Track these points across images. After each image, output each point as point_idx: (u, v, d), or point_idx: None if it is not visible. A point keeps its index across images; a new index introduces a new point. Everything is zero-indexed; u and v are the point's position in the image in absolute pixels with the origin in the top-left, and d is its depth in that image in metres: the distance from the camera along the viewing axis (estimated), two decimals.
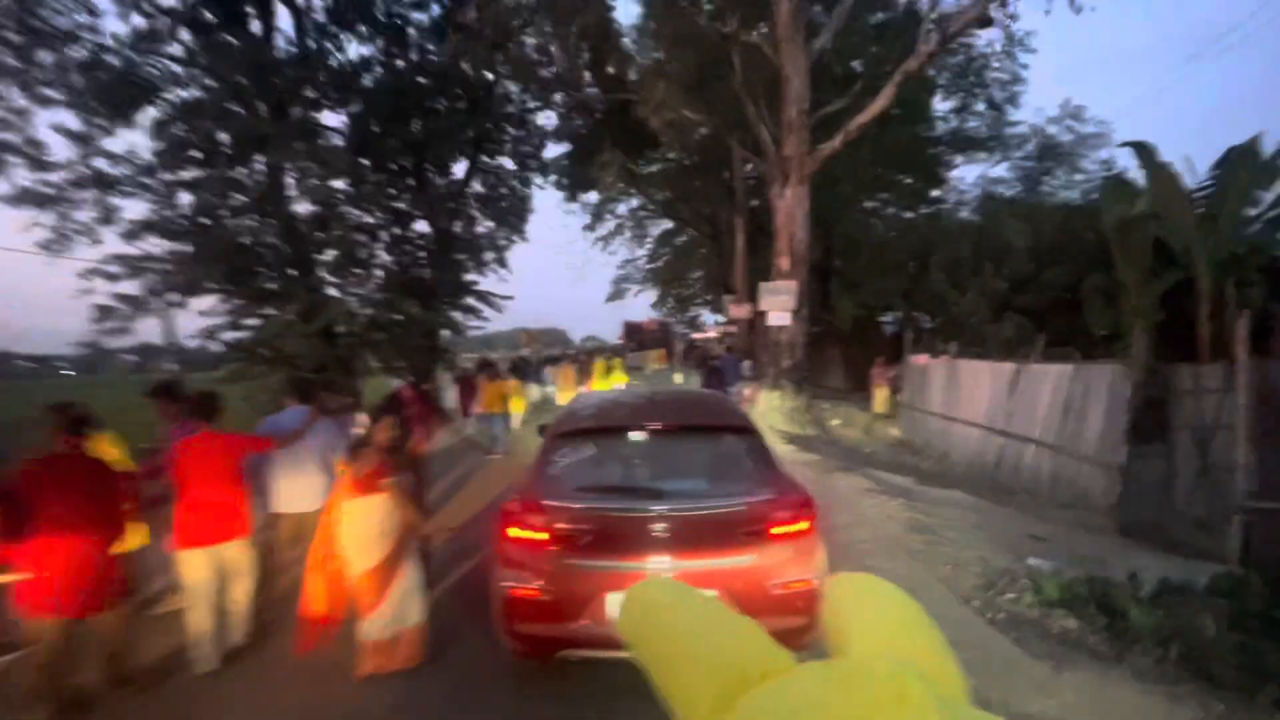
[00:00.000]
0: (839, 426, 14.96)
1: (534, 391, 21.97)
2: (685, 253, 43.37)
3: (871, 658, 0.50)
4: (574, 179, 22.40)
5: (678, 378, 27.09)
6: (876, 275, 28.67)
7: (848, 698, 0.39)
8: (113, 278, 14.91)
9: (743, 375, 17.74)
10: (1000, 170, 29.36)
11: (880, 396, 15.73)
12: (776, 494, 3.58)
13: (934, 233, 22.76)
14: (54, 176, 14.25)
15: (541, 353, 34.49)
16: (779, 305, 14.17)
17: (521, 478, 4.10)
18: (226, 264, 15.22)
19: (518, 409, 16.14)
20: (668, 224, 41.64)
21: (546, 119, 21.75)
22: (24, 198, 14.24)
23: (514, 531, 3.45)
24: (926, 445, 13.39)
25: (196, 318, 15.82)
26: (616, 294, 45.73)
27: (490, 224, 20.87)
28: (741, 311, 23.47)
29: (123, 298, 15.00)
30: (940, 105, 25.09)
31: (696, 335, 59.21)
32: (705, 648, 0.52)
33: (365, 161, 19.68)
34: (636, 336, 41.97)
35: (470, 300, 20.70)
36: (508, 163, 20.97)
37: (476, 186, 20.35)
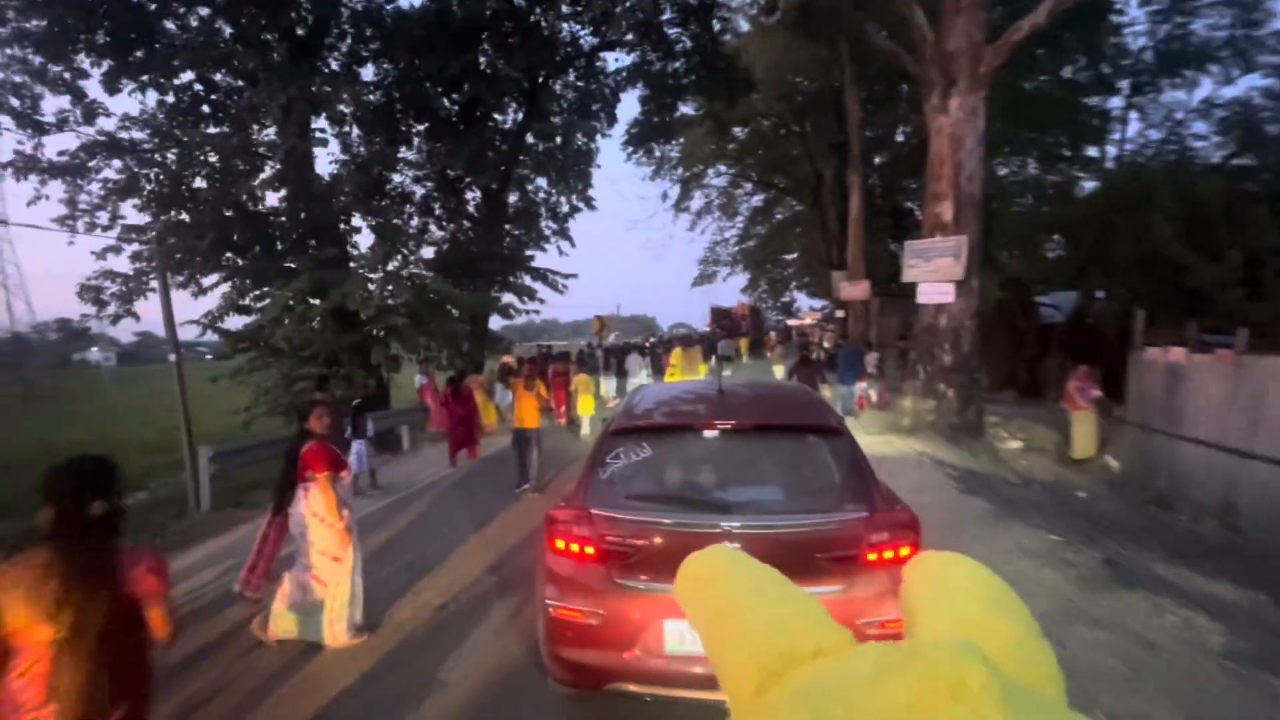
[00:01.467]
0: (1018, 451, 10.08)
1: (606, 386, 18.19)
2: (780, 231, 38.34)
3: (936, 640, 0.41)
4: (651, 131, 18.02)
5: (778, 370, 22.58)
6: (1024, 246, 22.83)
7: (900, 682, 0.35)
8: (105, 253, 12.28)
9: (867, 371, 13.09)
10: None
11: (1085, 429, 9.30)
12: (872, 510, 2.89)
13: (1128, 185, 16.80)
14: (60, 142, 11.71)
15: (622, 340, 30.77)
16: (936, 273, 9.51)
17: (575, 480, 3.33)
18: (225, 232, 12.27)
19: (587, 410, 12.56)
20: (759, 200, 36.92)
21: (617, 58, 17.60)
22: (29, 166, 11.79)
23: (559, 544, 2.97)
24: (1178, 489, 8.35)
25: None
26: (704, 277, 41.38)
27: (547, 187, 17.08)
28: (857, 291, 18.61)
29: (112, 275, 12.36)
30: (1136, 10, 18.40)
31: (791, 321, 53.96)
32: (757, 620, 0.47)
33: (399, 109, 16.52)
34: (725, 323, 37.41)
35: (524, 278, 17.13)
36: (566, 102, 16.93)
37: (532, 141, 16.60)
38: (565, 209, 17.57)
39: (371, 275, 12.62)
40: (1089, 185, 23.33)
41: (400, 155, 17.19)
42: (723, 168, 32.89)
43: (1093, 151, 25.10)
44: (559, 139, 15.92)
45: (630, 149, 32.29)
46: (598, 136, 17.70)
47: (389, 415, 11.82)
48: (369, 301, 11.75)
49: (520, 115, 16.22)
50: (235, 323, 12.89)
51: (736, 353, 30.85)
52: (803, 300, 56.83)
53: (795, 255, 42.59)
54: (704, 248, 38.85)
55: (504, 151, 15.79)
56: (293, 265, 12.46)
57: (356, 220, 14.47)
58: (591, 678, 2.91)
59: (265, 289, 12.64)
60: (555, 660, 2.96)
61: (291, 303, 12.21)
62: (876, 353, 13.38)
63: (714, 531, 2.76)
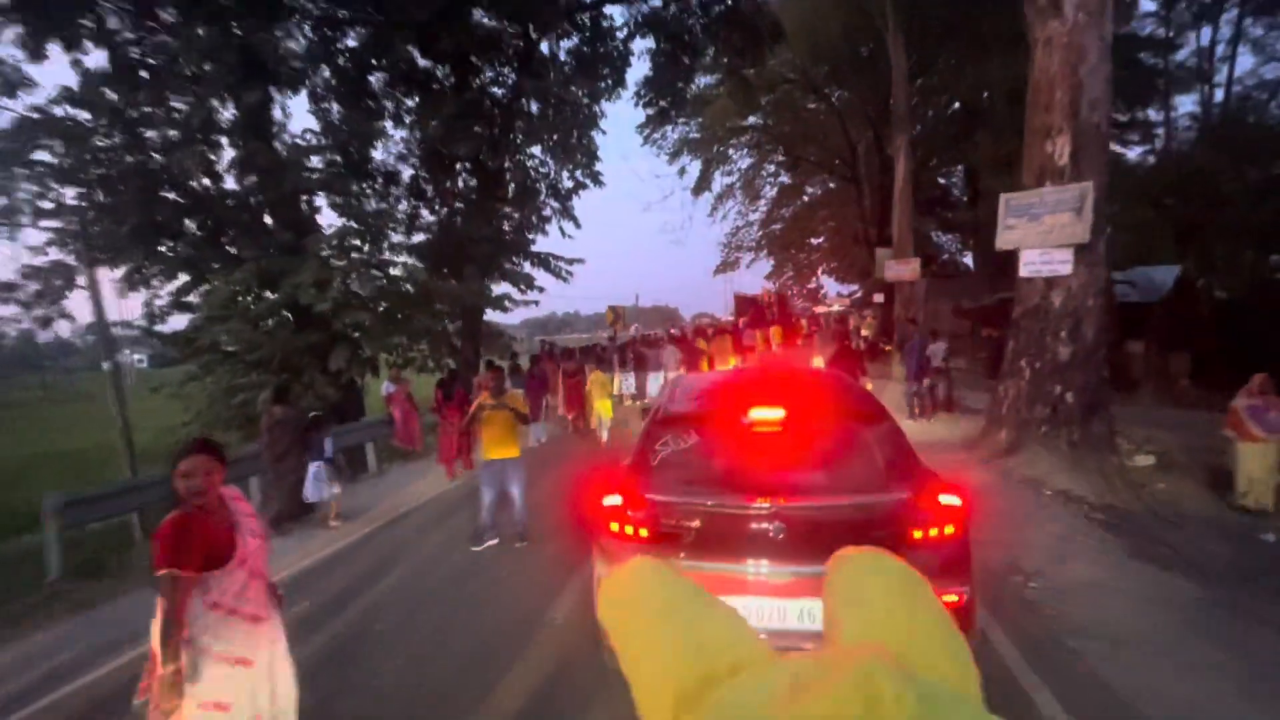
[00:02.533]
0: (1151, 470, 7.41)
1: (623, 383, 15.84)
2: (807, 212, 35.47)
3: (849, 651, 0.41)
4: (665, 87, 15.47)
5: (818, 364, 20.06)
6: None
7: (814, 699, 0.34)
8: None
9: (933, 364, 10.53)
10: None
11: (1262, 465, 6.15)
12: (917, 488, 2.88)
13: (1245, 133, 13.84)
14: None
15: (639, 333, 28.36)
16: (1048, 236, 6.92)
17: (621, 469, 3.32)
18: (155, 215, 10.15)
19: (605, 412, 10.74)
20: (784, 179, 34.07)
21: (626, 12, 15.07)
22: None
23: (614, 527, 3.03)
24: None
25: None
26: (727, 264, 38.76)
27: (544, 156, 14.68)
28: (905, 270, 15.93)
29: (33, 271, 10.35)
30: None
31: (818, 308, 50.92)
32: (673, 637, 0.45)
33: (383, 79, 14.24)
34: (750, 311, 34.73)
35: (523, 265, 14.81)
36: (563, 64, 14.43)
37: (528, 107, 14.17)
38: (568, 184, 15.16)
39: (336, 263, 10.39)
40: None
41: (388, 131, 15.02)
42: (745, 147, 30.30)
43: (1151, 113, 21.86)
44: (554, 100, 13.44)
45: (646, 130, 30.08)
46: (603, 101, 15.22)
47: (356, 430, 9.61)
48: (323, 294, 9.52)
49: (514, 79, 13.87)
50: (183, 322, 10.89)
51: (764, 342, 28.30)
52: (830, 286, 53.85)
53: (821, 240, 39.72)
54: (725, 232, 35.96)
55: (494, 116, 13.44)
56: (239, 254, 10.31)
57: (327, 209, 12.26)
58: None
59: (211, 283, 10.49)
60: None
61: (240, 297, 10.09)
62: (944, 342, 10.78)
63: (761, 513, 2.79)
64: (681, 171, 27.28)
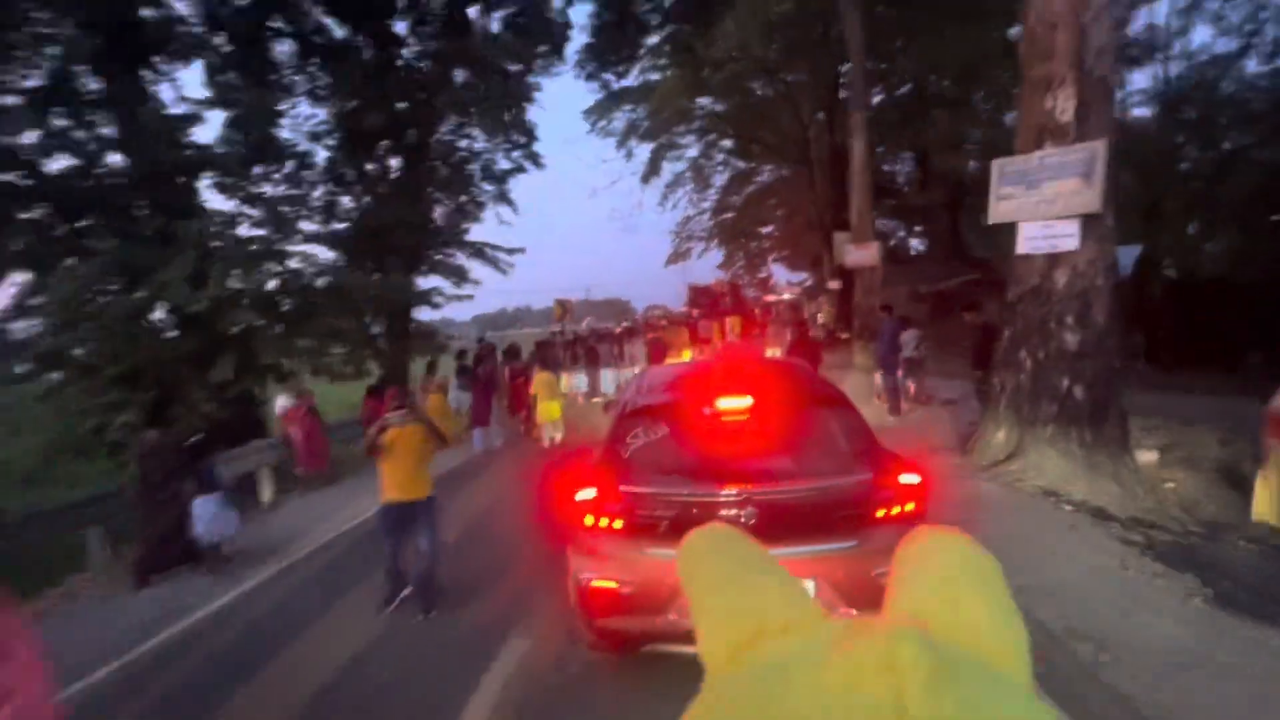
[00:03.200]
0: (1157, 466, 6.52)
1: (574, 381, 14.50)
2: (758, 199, 34.57)
3: (885, 619, 0.43)
4: (608, 62, 14.09)
5: (773, 353, 19.09)
6: None
7: (839, 659, 0.35)
8: None
9: (905, 352, 9.54)
10: None
11: None
12: (878, 471, 3.01)
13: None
14: None
15: (590, 328, 26.91)
16: (1050, 206, 5.89)
17: (593, 462, 3.31)
18: None
19: (551, 415, 9.76)
20: (734, 168, 33.05)
21: None
22: None
23: (589, 520, 3.02)
24: None
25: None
26: (678, 254, 37.67)
27: (474, 130, 13.07)
28: (865, 255, 14.99)
29: None
30: None
31: (769, 297, 50.41)
32: (735, 595, 0.48)
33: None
34: (704, 302, 33.66)
35: (456, 256, 13.22)
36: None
37: (454, 76, 12.52)
38: (505, 166, 13.61)
39: (221, 253, 8.66)
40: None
41: (292, 106, 13.15)
42: (693, 137, 29.10)
43: None
44: (482, 67, 11.86)
45: (593, 118, 28.52)
46: (541, 76, 13.71)
47: (242, 455, 7.92)
48: (198, 292, 7.83)
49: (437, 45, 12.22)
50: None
51: (720, 333, 27.32)
52: (779, 274, 53.49)
53: (771, 229, 39.03)
54: (676, 221, 34.77)
55: (414, 86, 11.77)
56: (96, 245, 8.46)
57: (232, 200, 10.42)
58: (629, 642, 3.00)
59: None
60: (593, 629, 3.01)
61: (97, 298, 8.27)
62: (915, 330, 9.81)
63: (733, 500, 2.85)
64: (629, 155, 25.82)
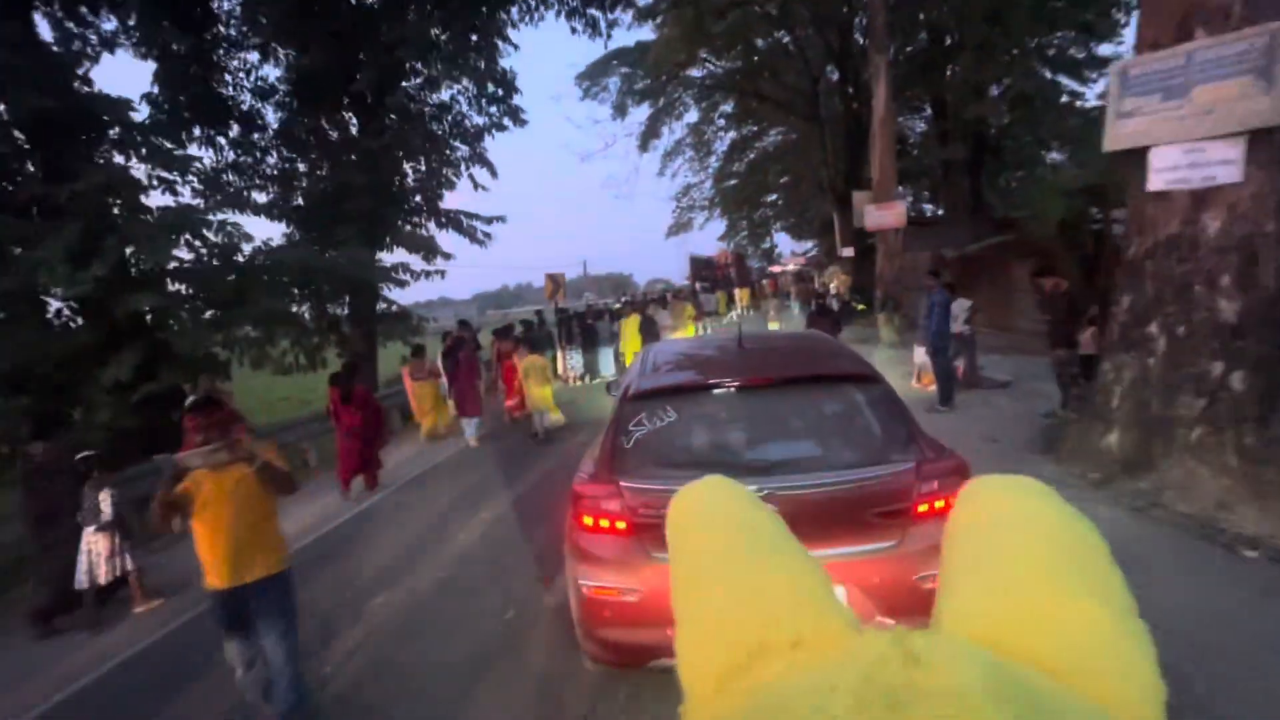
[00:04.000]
0: None
1: (571, 361, 13.19)
2: (762, 164, 32.44)
3: (949, 650, 0.26)
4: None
5: (773, 326, 17.34)
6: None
7: (860, 705, 0.24)
8: None
9: (957, 329, 7.84)
10: None
11: None
12: (919, 460, 2.56)
13: None
14: None
15: (589, 304, 25.19)
16: (1201, 122, 4.15)
17: (593, 453, 2.97)
18: None
19: (544, 402, 8.31)
20: (735, 134, 30.90)
21: None
22: None
23: (588, 520, 2.63)
24: None
25: None
26: (679, 225, 35.76)
27: (450, 86, 11.21)
28: (889, 216, 13.20)
29: None
30: None
31: (774, 268, 48.38)
32: (734, 587, 0.35)
33: None
34: (707, 274, 31.82)
35: (427, 226, 11.47)
36: None
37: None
38: (480, 122, 11.76)
39: (128, 225, 6.99)
40: None
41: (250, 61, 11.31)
42: (692, 101, 26.94)
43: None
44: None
45: (585, 84, 26.41)
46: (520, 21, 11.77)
47: (139, 476, 6.27)
48: (80, 273, 6.17)
49: None
50: None
51: (729, 305, 25.61)
52: (784, 244, 51.48)
53: (774, 196, 36.95)
54: (677, 188, 32.66)
55: (362, 18, 9.85)
56: None
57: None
58: (634, 656, 2.58)
59: None
60: (594, 641, 2.63)
61: None
62: (968, 300, 8.10)
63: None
64: (624, 111, 23.74)
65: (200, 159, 9.60)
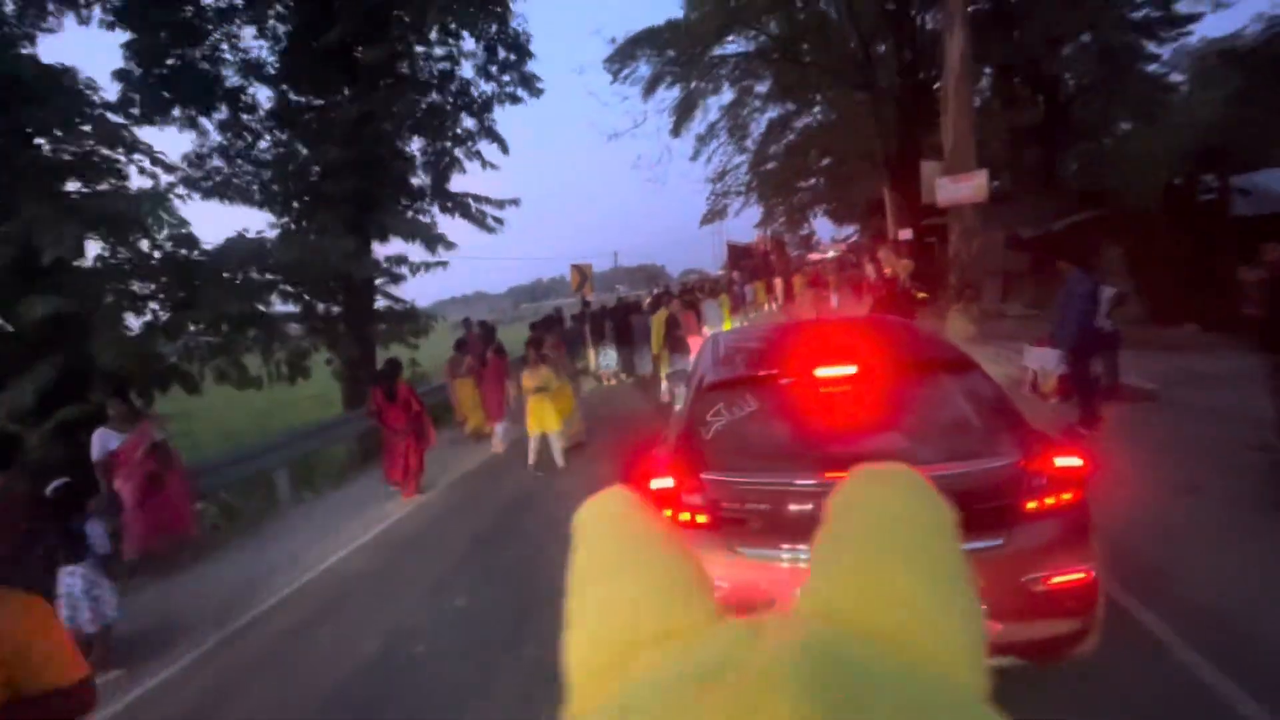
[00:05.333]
0: None
1: (603, 358, 12.04)
2: (799, 149, 30.03)
3: (788, 626, 0.32)
4: None
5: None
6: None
7: (722, 696, 0.26)
8: None
9: (1102, 321, 5.79)
10: None
11: None
12: (1027, 452, 2.31)
13: None
14: None
15: (619, 298, 23.44)
16: None
17: (668, 444, 2.77)
18: None
19: (546, 426, 6.77)
20: (774, 113, 28.60)
21: None
22: None
23: (667, 514, 2.44)
24: None
25: None
26: (714, 213, 33.54)
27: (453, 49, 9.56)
28: (965, 189, 11.07)
29: None
30: None
31: (812, 255, 45.81)
32: (614, 588, 0.38)
33: None
34: (746, 263, 29.75)
35: (430, 211, 9.89)
36: None
37: None
38: (486, 90, 10.09)
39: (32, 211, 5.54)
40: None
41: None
42: (726, 84, 24.80)
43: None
44: None
45: (615, 66, 24.50)
46: None
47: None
48: None
49: None
50: None
51: (768, 295, 23.58)
52: (823, 230, 48.82)
53: (813, 180, 34.45)
54: (712, 171, 30.31)
55: None
56: None
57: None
58: None
59: None
60: None
61: None
62: (1111, 286, 6.10)
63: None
64: (654, 89, 21.79)
65: (151, 147, 8.06)
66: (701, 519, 2.43)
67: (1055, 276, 15.04)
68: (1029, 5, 15.49)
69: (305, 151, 10.09)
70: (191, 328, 6.57)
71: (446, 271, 9.40)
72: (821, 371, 2.62)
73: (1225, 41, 27.76)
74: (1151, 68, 20.25)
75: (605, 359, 12.25)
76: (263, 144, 10.37)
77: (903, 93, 17.31)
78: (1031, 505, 2.26)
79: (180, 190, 8.29)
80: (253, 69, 10.05)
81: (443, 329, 11.90)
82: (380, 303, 10.01)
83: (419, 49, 9.98)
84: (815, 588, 0.35)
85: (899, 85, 17.46)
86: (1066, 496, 2.28)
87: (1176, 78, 25.45)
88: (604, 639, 0.35)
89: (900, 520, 0.38)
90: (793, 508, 2.35)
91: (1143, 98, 19.71)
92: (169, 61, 9.25)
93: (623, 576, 0.38)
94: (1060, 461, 2.31)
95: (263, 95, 10.31)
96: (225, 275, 6.83)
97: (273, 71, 10.04)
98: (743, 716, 0.25)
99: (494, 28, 10.02)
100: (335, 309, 9.36)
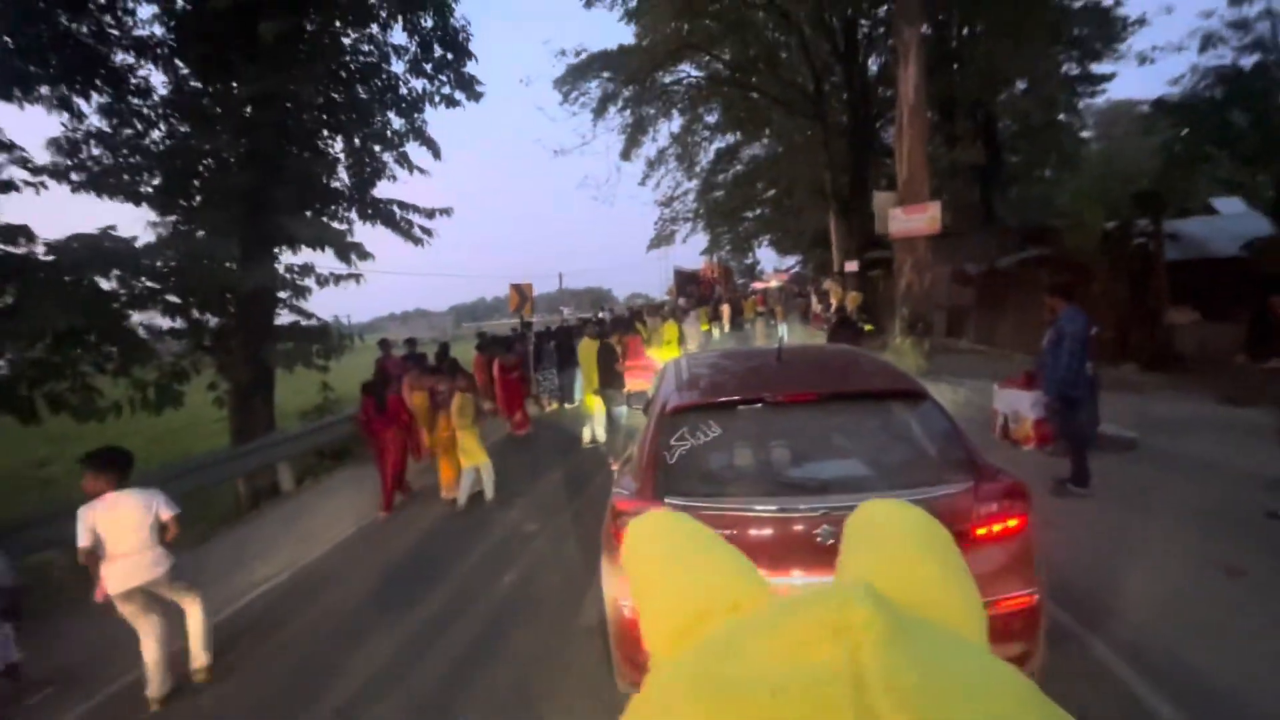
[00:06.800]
0: None
1: (546, 383, 11.30)
2: (750, 175, 30.03)
3: (836, 585, 0.39)
4: None
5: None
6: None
7: (790, 627, 0.32)
8: None
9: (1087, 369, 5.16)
10: None
11: None
12: (975, 480, 2.40)
13: None
14: None
15: (563, 321, 22.29)
16: None
17: (632, 468, 2.79)
18: None
19: (473, 458, 6.13)
20: (722, 142, 28.50)
21: None
22: None
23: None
24: None
25: None
26: (662, 238, 33.04)
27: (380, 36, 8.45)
28: (919, 221, 10.71)
29: None
30: None
31: (756, 284, 46.14)
32: (679, 577, 0.45)
33: None
34: (692, 289, 29.26)
35: (348, 217, 8.65)
36: None
37: None
38: (418, 89, 8.99)
39: None
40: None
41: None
42: (676, 111, 24.45)
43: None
44: None
45: (565, 87, 23.71)
46: None
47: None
48: None
49: None
50: None
51: (711, 323, 22.98)
52: (766, 260, 49.43)
53: (758, 212, 34.62)
54: (661, 195, 29.80)
55: None
56: None
57: None
58: None
59: None
60: (635, 667, 2.45)
61: None
62: (1094, 325, 5.58)
63: (807, 515, 2.31)
64: (602, 108, 21.08)
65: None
66: None
67: (1001, 314, 14.82)
68: (973, 47, 15.71)
69: (203, 144, 8.69)
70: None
71: (387, 287, 8.27)
72: (781, 398, 2.67)
73: (1126, 105, 29.67)
74: (1062, 116, 21.23)
75: (546, 384, 11.38)
76: (156, 134, 8.92)
77: (852, 127, 17.23)
78: (981, 531, 2.32)
79: (27, 177, 6.84)
80: (146, 48, 8.65)
81: (367, 350, 10.57)
82: (287, 318, 8.66)
83: (346, 40, 8.85)
84: (855, 571, 0.41)
85: (849, 120, 17.38)
86: (1013, 523, 2.34)
87: (1086, 134, 27.04)
88: (680, 610, 0.40)
89: (914, 527, 0.44)
90: (753, 533, 2.33)
91: (1063, 148, 20.55)
92: (36, 30, 7.79)
93: (692, 563, 0.44)
94: (1007, 489, 2.38)
95: (160, 80, 8.92)
96: (68, 280, 5.43)
97: (169, 52, 8.66)
98: (831, 625, 0.30)
99: (429, 21, 8.99)
100: (223, 324, 7.93)
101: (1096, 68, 19.75)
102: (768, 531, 2.31)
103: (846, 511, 1.52)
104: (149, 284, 6.85)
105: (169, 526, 3.30)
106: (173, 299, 7.31)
